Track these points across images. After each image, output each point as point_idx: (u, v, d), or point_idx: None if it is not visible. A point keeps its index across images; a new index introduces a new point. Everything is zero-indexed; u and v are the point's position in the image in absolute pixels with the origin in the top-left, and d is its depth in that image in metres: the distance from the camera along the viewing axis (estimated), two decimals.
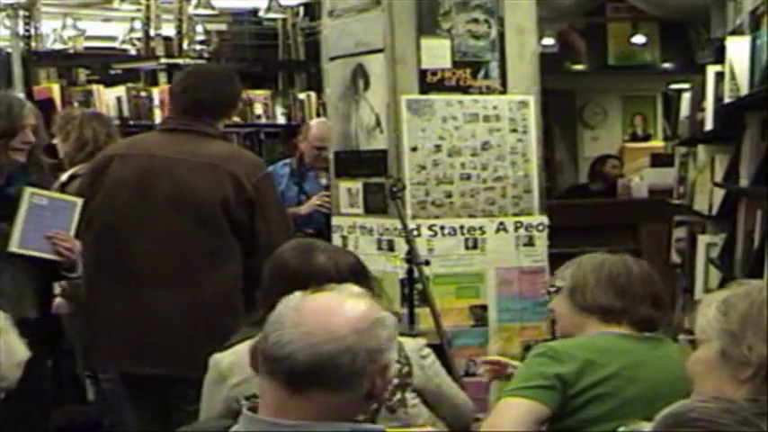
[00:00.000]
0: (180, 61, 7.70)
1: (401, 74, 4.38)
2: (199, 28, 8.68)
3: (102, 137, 4.71)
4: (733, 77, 3.78)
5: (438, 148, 4.41)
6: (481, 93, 4.46)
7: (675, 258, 5.57)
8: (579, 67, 10.69)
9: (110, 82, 7.74)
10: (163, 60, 7.77)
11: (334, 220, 4.72)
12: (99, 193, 3.76)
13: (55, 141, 4.86)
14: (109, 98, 7.33)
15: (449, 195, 4.42)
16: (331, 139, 4.78)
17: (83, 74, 7.96)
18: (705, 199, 4.54)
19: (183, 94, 3.84)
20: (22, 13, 7.28)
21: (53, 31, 8.60)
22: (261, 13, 8.64)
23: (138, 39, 8.29)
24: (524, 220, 4.50)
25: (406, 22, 4.39)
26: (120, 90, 7.44)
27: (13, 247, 3.50)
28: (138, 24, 8.30)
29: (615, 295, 2.73)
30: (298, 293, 1.89)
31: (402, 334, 2.57)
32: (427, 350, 2.80)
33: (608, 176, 9.01)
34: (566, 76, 10.48)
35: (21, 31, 7.26)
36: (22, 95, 6.82)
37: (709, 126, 4.26)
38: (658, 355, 2.69)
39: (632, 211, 7.69)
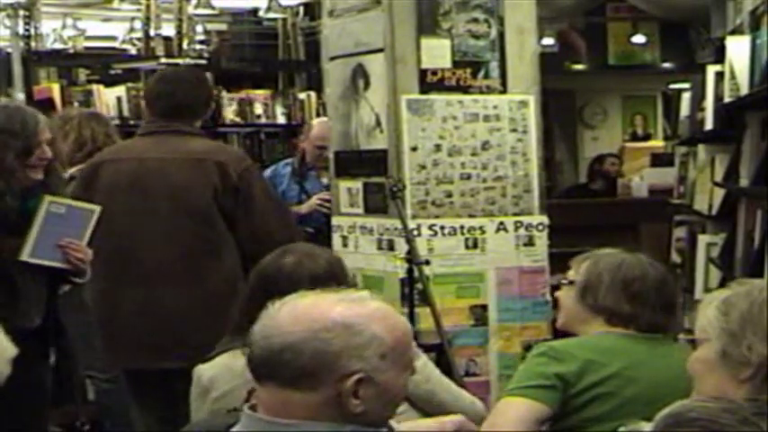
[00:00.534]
0: (180, 61, 7.70)
1: (401, 74, 4.38)
2: (199, 28, 8.69)
3: (100, 137, 4.71)
4: (733, 77, 3.78)
5: (438, 147, 4.40)
6: (481, 92, 4.46)
7: (675, 258, 5.56)
8: (579, 66, 10.70)
9: (110, 82, 7.76)
10: (163, 60, 7.75)
11: (334, 220, 4.72)
12: (94, 199, 3.79)
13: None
14: (109, 98, 7.35)
15: (449, 195, 4.42)
16: (331, 138, 4.78)
17: (83, 74, 7.98)
18: (705, 199, 4.53)
19: (159, 100, 3.95)
20: (22, 12, 7.28)
21: (53, 31, 8.62)
22: (261, 13, 8.63)
23: (138, 39, 8.30)
24: (524, 219, 4.49)
25: (406, 21, 4.38)
26: (120, 90, 7.46)
27: (24, 256, 3.47)
28: (138, 24, 8.31)
29: (627, 301, 2.70)
30: (294, 295, 1.90)
31: None
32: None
33: (607, 174, 9.01)
34: (566, 75, 10.49)
35: (21, 30, 7.26)
36: (22, 96, 6.84)
37: (709, 126, 4.26)
38: (659, 355, 2.68)
39: (632, 210, 7.68)
